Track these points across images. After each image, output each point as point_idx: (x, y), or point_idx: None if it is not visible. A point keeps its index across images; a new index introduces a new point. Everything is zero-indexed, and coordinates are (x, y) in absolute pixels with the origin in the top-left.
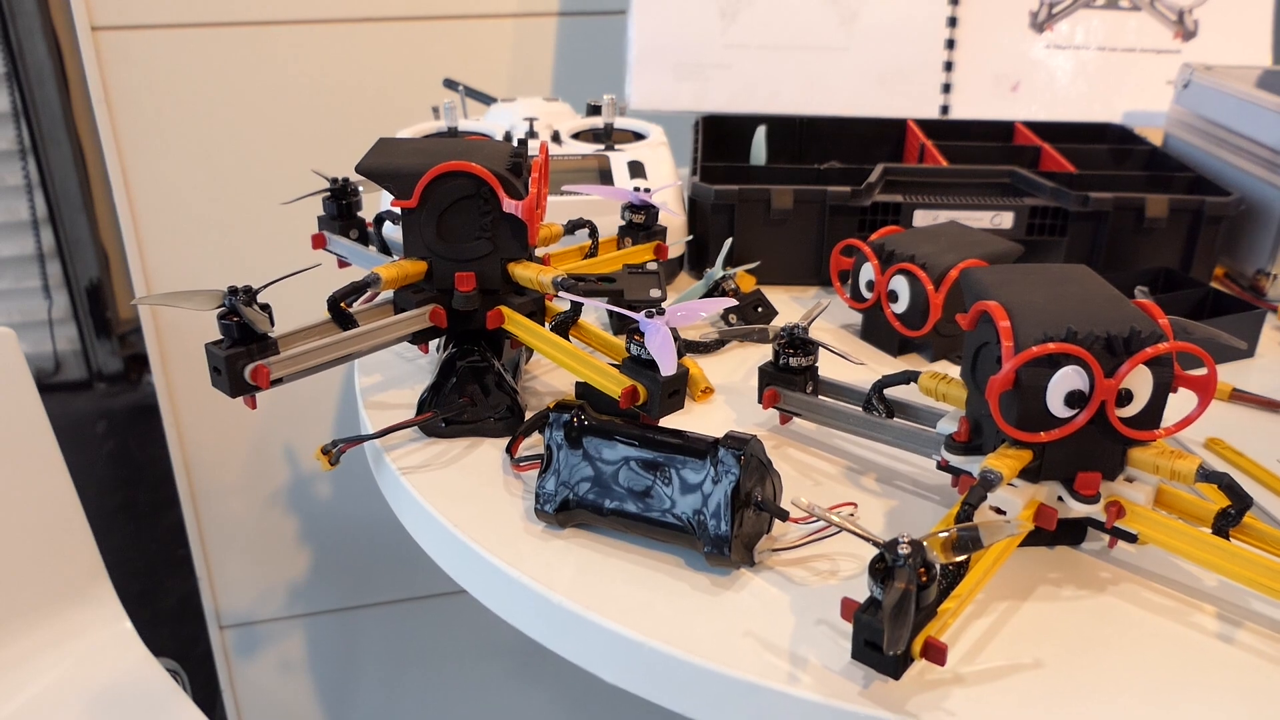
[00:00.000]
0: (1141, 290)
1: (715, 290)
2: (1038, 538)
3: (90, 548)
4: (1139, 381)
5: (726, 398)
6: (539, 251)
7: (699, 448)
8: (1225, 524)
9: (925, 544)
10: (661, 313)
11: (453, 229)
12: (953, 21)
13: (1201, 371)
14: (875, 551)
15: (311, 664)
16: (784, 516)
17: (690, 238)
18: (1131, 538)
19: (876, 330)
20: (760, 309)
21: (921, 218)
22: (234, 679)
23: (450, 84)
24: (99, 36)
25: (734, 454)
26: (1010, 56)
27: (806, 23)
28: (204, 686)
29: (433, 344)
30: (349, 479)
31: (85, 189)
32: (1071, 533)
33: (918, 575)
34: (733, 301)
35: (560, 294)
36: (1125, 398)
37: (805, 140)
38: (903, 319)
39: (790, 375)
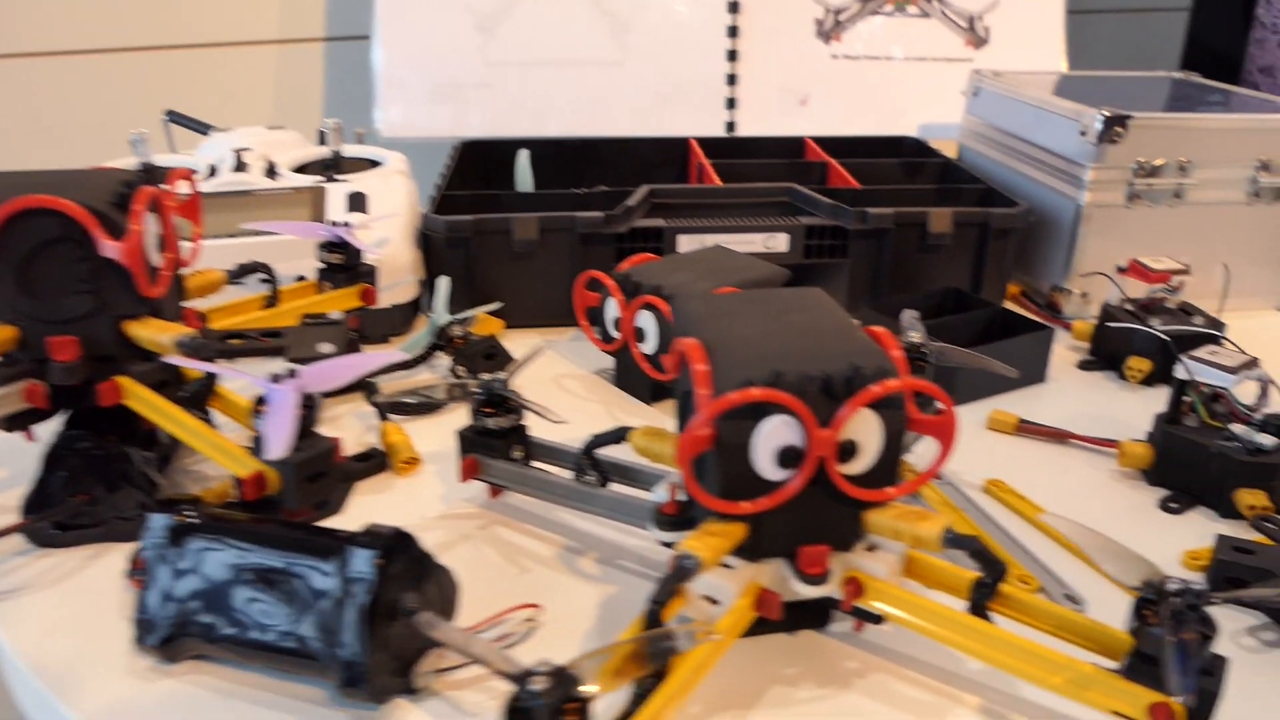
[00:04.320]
0: (911, 315)
1: (441, 338)
2: (776, 623)
3: None
4: (865, 430)
5: (437, 468)
6: (195, 303)
7: (327, 547)
8: (981, 598)
9: (574, 671)
10: (293, 375)
11: (41, 282)
12: (733, 31)
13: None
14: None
15: None
16: (434, 644)
17: (416, 277)
18: (876, 619)
19: (629, 375)
20: (492, 357)
21: (687, 243)
22: None
23: (172, 116)
24: None
25: (368, 555)
26: (797, 68)
27: (575, 35)
28: None
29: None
30: None
31: None
32: (813, 615)
33: (560, 713)
34: (403, 356)
35: (184, 357)
36: (849, 451)
37: (583, 165)
38: (652, 360)
39: (490, 440)
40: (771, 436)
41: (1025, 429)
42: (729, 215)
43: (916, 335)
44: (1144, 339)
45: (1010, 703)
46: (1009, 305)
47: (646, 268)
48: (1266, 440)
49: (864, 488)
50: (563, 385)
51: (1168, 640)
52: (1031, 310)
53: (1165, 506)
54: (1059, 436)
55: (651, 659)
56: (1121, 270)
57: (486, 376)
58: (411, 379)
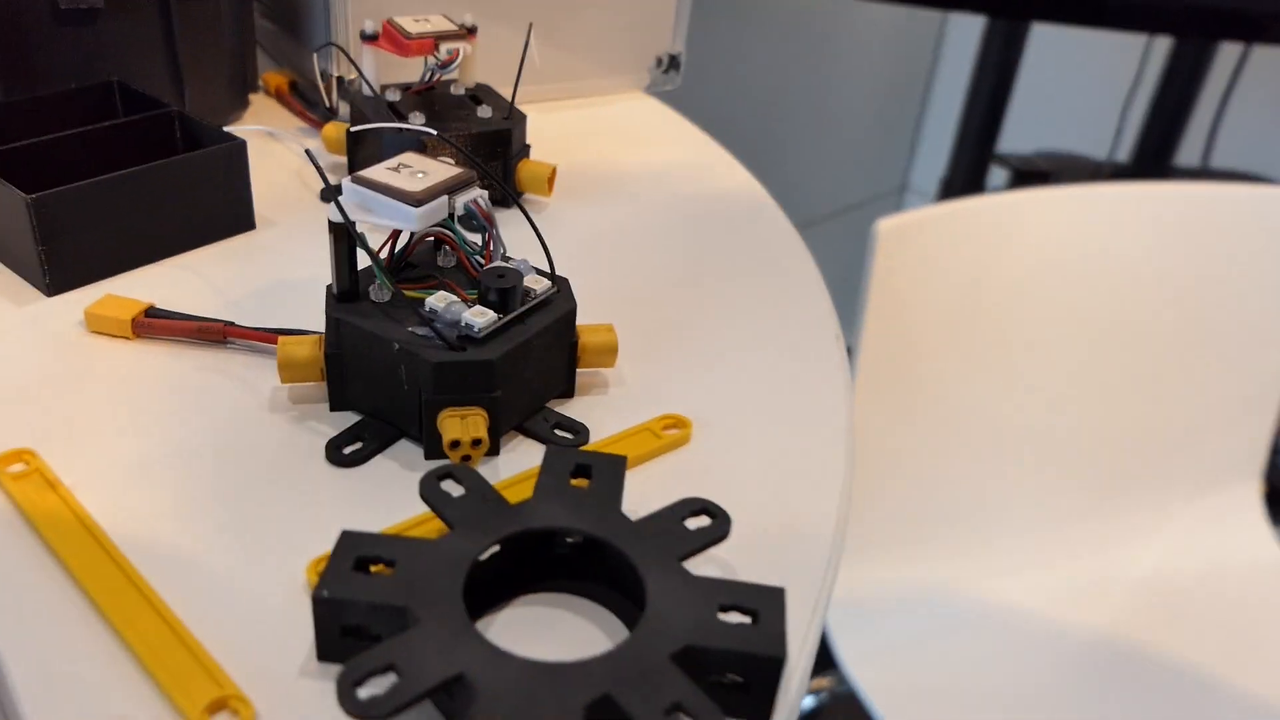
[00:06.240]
0: None
1: None
2: None
3: None
4: None
5: None
6: None
7: None
8: None
9: None
10: None
11: None
12: None
13: None
14: None
15: None
16: None
17: None
18: None
19: None
20: None
21: None
22: None
23: None
24: None
25: None
26: None
27: None
28: None
29: None
30: None
31: None
32: None
33: None
34: None
35: None
36: None
37: None
38: None
39: None
40: None
41: (150, 328)
42: None
43: None
44: (401, 147)
45: None
46: (276, 105)
47: None
48: (478, 319)
49: None
50: None
51: None
52: (297, 110)
53: (334, 455)
54: (213, 334)
55: None
56: (370, 39)
57: None
58: None
